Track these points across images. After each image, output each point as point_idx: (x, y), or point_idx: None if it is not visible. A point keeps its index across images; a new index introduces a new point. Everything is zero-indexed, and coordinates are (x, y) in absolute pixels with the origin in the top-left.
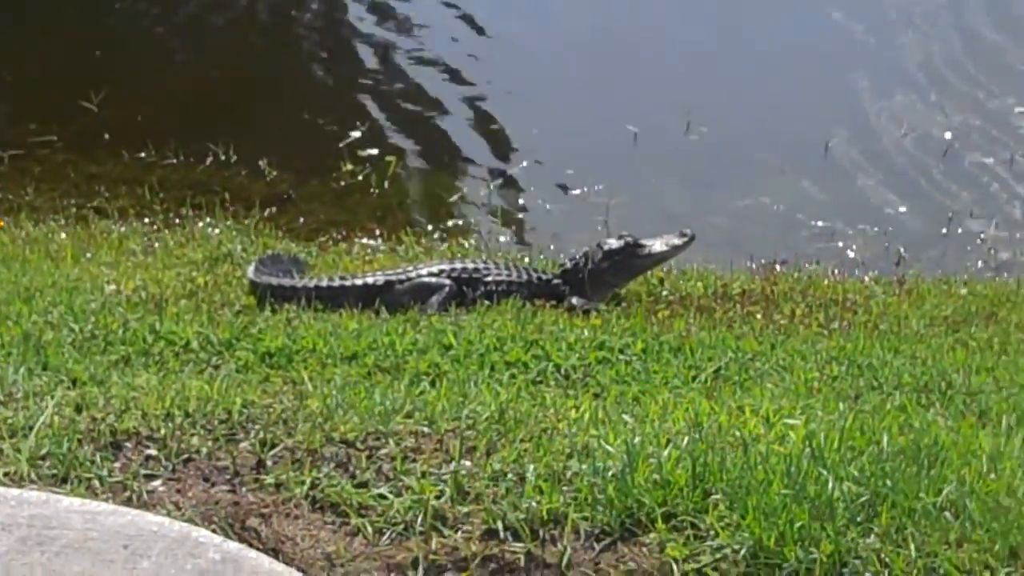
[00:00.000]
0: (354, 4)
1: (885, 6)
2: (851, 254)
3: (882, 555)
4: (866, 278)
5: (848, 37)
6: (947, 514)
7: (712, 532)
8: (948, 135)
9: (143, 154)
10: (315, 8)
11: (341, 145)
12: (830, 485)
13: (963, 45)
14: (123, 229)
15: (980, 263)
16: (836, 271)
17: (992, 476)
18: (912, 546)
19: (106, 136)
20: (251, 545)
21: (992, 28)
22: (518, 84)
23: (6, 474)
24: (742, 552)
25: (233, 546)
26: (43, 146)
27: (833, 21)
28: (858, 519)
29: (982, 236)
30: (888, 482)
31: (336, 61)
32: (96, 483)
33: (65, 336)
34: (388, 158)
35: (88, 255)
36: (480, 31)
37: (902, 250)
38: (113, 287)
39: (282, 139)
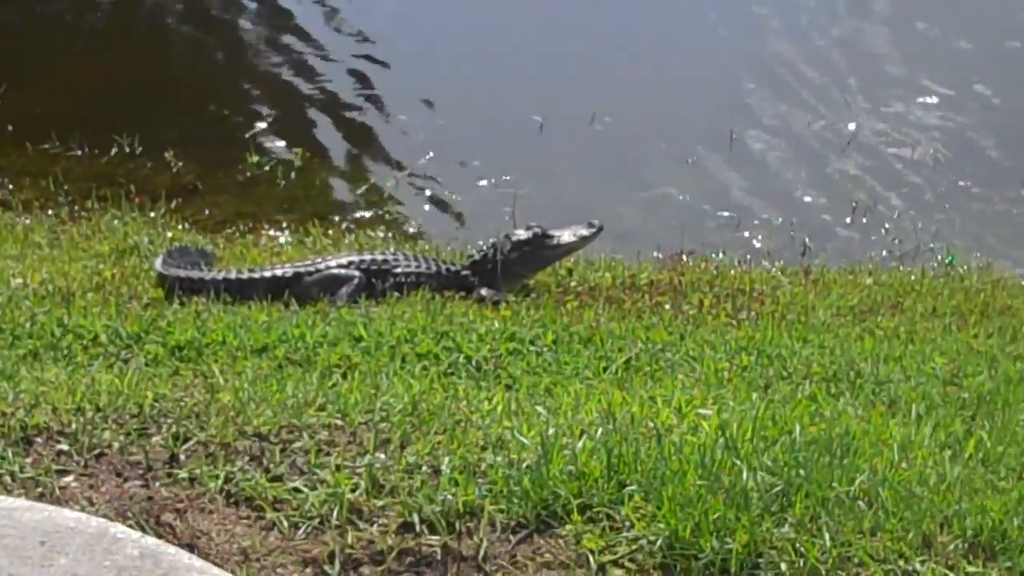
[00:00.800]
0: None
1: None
2: (757, 244)
3: (797, 544)
4: (773, 268)
5: (737, 38)
6: (860, 503)
7: (628, 523)
8: (852, 126)
9: (47, 145)
10: (219, 2)
11: (247, 136)
12: (744, 475)
13: (860, 40)
14: (28, 222)
15: (884, 252)
16: (742, 261)
17: (904, 465)
18: (827, 535)
19: (9, 128)
20: (166, 540)
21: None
22: (424, 79)
23: None
24: (658, 543)
25: (151, 541)
26: None
27: (712, 23)
28: (772, 509)
29: (886, 226)
30: (801, 472)
31: (240, 53)
32: (8, 479)
33: None
34: (295, 150)
35: None
36: (386, 30)
37: (807, 240)
38: (19, 280)
39: (187, 130)
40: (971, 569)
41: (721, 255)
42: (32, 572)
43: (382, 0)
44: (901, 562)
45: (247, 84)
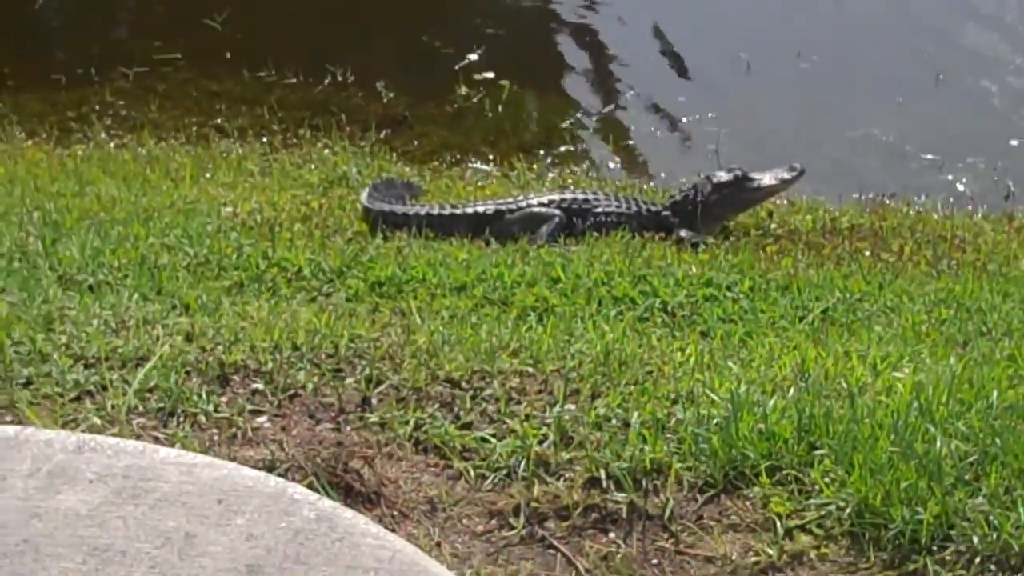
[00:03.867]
0: None
1: None
2: (960, 187)
3: (990, 517)
4: (976, 214)
5: None
6: None
7: (817, 488)
8: None
9: (263, 73)
10: None
11: (456, 68)
12: (938, 442)
13: None
14: (242, 149)
15: None
16: (945, 206)
17: None
18: (1021, 509)
19: (228, 55)
20: (352, 488)
21: None
22: (632, 13)
23: (113, 406)
24: (847, 510)
25: (328, 504)
26: (167, 64)
27: None
28: (966, 479)
29: None
30: (998, 440)
31: None
32: (202, 418)
33: (180, 260)
34: (502, 82)
35: (207, 175)
36: None
37: (1011, 185)
38: (229, 209)
39: (399, 61)
40: None
41: (924, 198)
42: (208, 531)
43: None
44: None
45: (459, 16)
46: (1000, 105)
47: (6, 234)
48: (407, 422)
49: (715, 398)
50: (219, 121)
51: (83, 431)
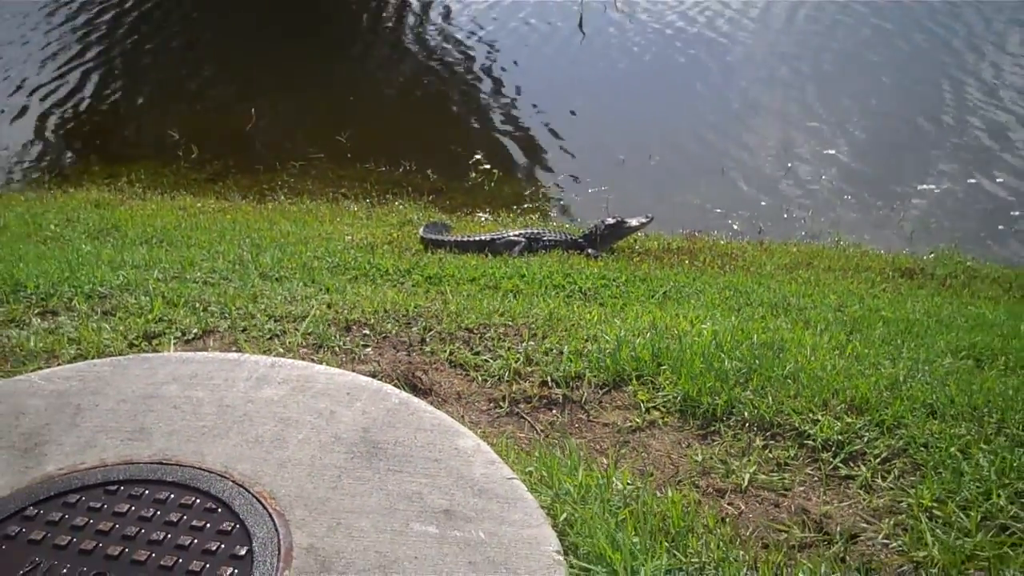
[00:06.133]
0: (483, 76)
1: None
2: (736, 227)
3: (754, 402)
4: (743, 241)
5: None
6: (789, 381)
7: (662, 386)
8: (788, 164)
9: (369, 165)
10: (463, 73)
11: (470, 162)
12: (726, 362)
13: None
14: (355, 206)
15: (803, 233)
16: (727, 237)
17: (812, 359)
18: (770, 397)
19: (348, 155)
20: (417, 386)
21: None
22: (568, 131)
23: (290, 343)
24: (679, 398)
25: (405, 395)
26: (315, 160)
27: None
28: (741, 382)
29: (803, 219)
30: (757, 361)
31: (468, 111)
32: (336, 349)
33: (324, 264)
34: (494, 170)
35: (338, 219)
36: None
37: (761, 226)
38: (349, 237)
39: (438, 158)
40: (848, 419)
41: (716, 233)
42: (341, 409)
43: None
44: (810, 414)
45: (470, 133)
46: (757, 183)
47: (231, 250)
48: (445, 351)
49: (608, 338)
50: (343, 191)
51: (274, 356)
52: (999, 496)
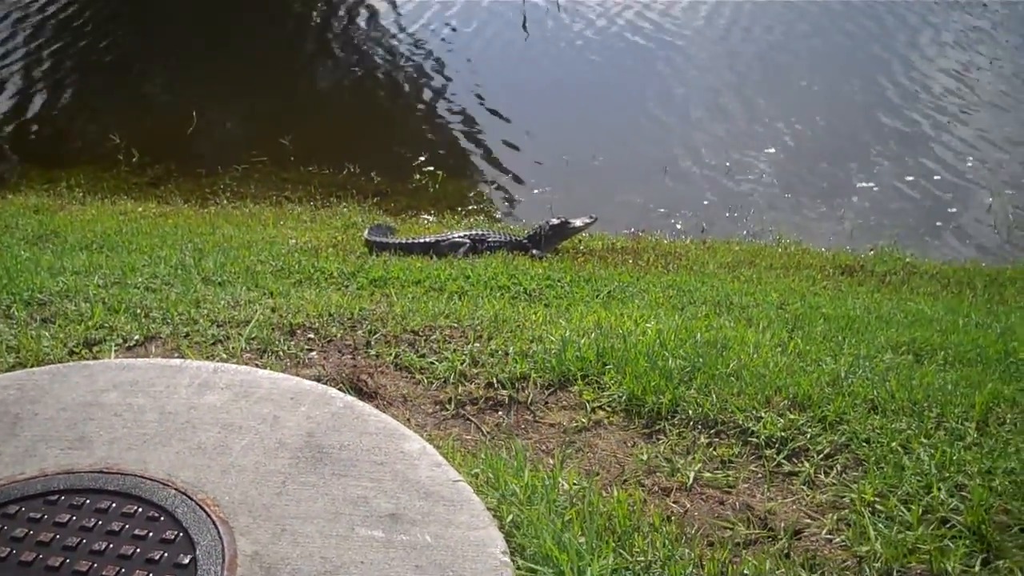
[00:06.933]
0: (427, 78)
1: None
2: (679, 226)
3: (698, 400)
4: (686, 240)
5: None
6: (732, 378)
7: (607, 386)
8: (728, 163)
9: (312, 168)
10: (408, 74)
11: (413, 164)
12: (669, 361)
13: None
14: (299, 209)
15: (744, 232)
16: (670, 236)
17: (755, 356)
18: (714, 395)
19: (292, 158)
20: (362, 390)
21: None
22: (512, 131)
23: (233, 348)
24: (623, 397)
25: (350, 399)
26: (257, 163)
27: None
28: (685, 380)
29: (745, 218)
30: (701, 359)
31: (412, 113)
32: (280, 354)
33: (268, 268)
34: (438, 172)
35: (281, 223)
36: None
37: (704, 225)
38: (293, 241)
39: (382, 160)
40: (791, 416)
41: (659, 232)
42: (285, 414)
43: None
44: (753, 411)
45: (414, 131)
46: (700, 182)
47: (173, 255)
48: (391, 354)
49: (553, 339)
50: (287, 194)
51: (217, 361)
52: (939, 490)
